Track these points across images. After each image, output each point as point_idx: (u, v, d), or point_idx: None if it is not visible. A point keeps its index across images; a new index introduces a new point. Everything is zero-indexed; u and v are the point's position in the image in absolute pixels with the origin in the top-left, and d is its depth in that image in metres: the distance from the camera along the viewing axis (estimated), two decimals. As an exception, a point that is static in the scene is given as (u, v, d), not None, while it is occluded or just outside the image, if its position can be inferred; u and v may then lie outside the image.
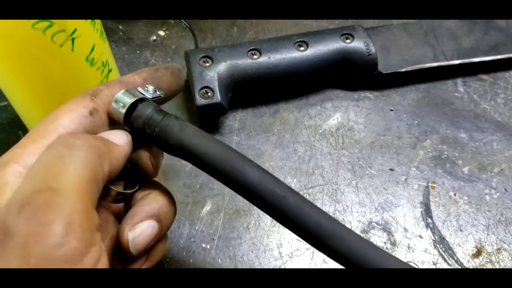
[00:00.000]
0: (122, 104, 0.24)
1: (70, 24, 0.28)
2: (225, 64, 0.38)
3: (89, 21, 0.30)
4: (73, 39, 0.29)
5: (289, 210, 0.23)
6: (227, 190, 0.35)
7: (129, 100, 0.24)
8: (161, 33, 0.46)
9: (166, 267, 0.32)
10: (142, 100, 0.25)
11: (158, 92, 0.26)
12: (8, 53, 0.28)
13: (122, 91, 0.24)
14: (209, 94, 0.37)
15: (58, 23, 0.27)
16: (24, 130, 0.39)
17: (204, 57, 0.38)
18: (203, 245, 0.33)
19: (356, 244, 0.24)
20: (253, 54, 0.39)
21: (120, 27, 0.47)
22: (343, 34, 0.40)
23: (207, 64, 0.38)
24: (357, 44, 0.40)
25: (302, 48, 0.39)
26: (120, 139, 0.23)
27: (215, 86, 0.37)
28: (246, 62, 0.38)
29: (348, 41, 0.40)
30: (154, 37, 0.46)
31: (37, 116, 0.34)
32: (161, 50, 0.45)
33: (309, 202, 0.24)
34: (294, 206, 0.23)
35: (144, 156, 0.25)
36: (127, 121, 0.24)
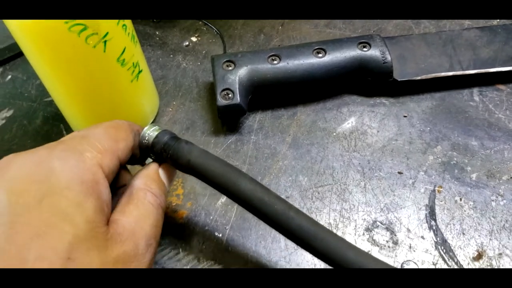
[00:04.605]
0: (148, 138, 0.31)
1: (103, 28, 0.32)
2: (246, 69, 0.41)
3: (120, 25, 0.34)
4: (105, 41, 0.33)
5: (276, 215, 0.28)
6: (241, 184, 0.38)
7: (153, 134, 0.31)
8: (194, 39, 0.50)
9: (181, 251, 0.35)
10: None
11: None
12: (48, 54, 0.32)
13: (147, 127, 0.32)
14: (230, 95, 0.40)
15: (92, 27, 0.31)
16: (65, 123, 0.43)
17: (227, 61, 0.41)
18: (216, 234, 0.36)
19: (336, 244, 0.27)
20: (273, 60, 0.42)
21: (157, 32, 0.51)
22: (361, 43, 0.42)
23: (230, 68, 0.41)
24: (373, 52, 0.42)
25: (320, 55, 0.42)
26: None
27: (236, 88, 0.40)
28: (266, 67, 0.41)
29: (365, 49, 0.42)
30: (187, 43, 0.50)
31: (74, 110, 0.38)
32: (192, 54, 0.48)
33: (294, 208, 0.28)
34: (280, 211, 0.28)
35: None
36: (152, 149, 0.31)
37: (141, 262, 0.26)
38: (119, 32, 0.34)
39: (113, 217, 0.26)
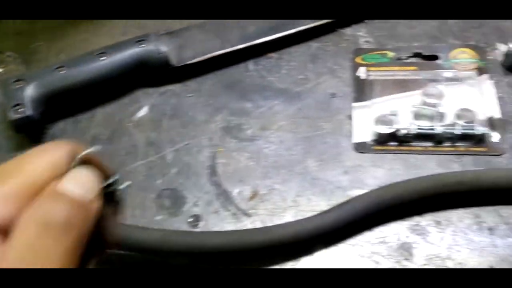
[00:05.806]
0: None
1: None
2: (35, 84, 0.44)
3: None
4: None
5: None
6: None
7: None
8: (0, 70, 0.53)
9: None
10: None
11: None
12: None
13: None
14: (21, 110, 0.43)
15: None
16: None
17: (15, 81, 0.44)
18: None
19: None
20: (59, 71, 0.45)
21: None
22: (138, 41, 0.47)
23: (19, 86, 0.44)
24: (149, 47, 0.47)
25: (102, 58, 0.46)
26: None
27: (27, 102, 0.43)
28: (53, 78, 0.45)
29: (142, 45, 0.47)
30: (-7, 74, 0.52)
31: None
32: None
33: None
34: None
35: None
36: None
37: None
38: None
39: None
